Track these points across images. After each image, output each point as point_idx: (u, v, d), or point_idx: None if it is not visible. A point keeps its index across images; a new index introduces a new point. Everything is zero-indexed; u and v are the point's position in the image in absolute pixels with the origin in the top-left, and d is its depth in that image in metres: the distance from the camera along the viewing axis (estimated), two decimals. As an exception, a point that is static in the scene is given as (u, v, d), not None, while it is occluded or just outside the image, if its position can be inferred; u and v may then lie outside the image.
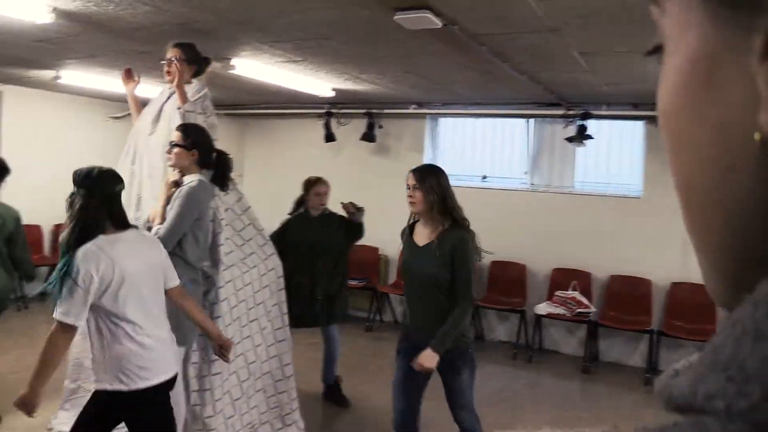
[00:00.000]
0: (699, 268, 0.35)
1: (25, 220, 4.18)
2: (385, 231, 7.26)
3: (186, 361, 3.46)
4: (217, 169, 3.48)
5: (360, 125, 7.05)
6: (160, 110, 3.78)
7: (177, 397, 3.33)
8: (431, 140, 7.20)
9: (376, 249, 7.25)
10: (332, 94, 6.04)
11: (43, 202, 6.79)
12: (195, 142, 3.33)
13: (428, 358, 2.92)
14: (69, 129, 7.78)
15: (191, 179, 3.29)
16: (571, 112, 5.95)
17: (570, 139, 5.87)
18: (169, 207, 3.24)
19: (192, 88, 3.73)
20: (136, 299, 2.51)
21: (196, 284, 3.35)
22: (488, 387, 5.15)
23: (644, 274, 5.85)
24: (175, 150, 3.27)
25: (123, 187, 2.68)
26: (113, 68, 5.45)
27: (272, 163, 8.19)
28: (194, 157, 3.33)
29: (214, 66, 4.12)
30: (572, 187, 6.50)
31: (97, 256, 2.42)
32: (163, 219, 3.21)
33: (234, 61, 4.87)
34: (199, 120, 3.61)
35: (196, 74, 3.83)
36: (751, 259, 0.30)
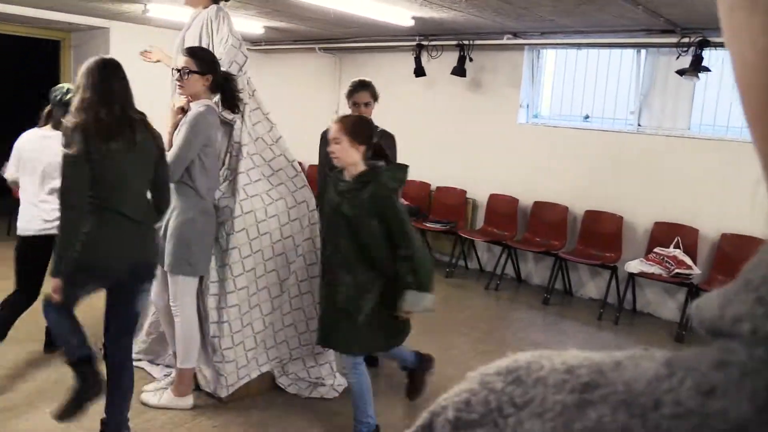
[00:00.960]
0: None
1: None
2: (474, 173, 6.83)
3: (204, 292, 3.41)
4: (224, 92, 3.31)
5: (452, 59, 6.55)
6: (182, 41, 3.63)
7: (191, 324, 3.31)
8: (530, 74, 6.54)
9: (462, 192, 6.84)
10: (411, 23, 5.61)
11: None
12: (209, 67, 3.18)
13: None
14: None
15: (198, 105, 3.15)
16: (685, 40, 5.06)
17: (681, 72, 5.00)
18: (176, 133, 3.14)
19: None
20: None
21: (207, 215, 3.25)
22: (563, 347, 4.67)
23: (762, 234, 4.94)
24: (191, 77, 3.14)
25: None
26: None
27: (367, 100, 7.94)
28: (208, 82, 3.20)
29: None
30: (687, 130, 5.61)
31: None
32: (170, 146, 3.10)
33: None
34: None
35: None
36: None
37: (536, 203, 6.27)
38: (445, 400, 0.33)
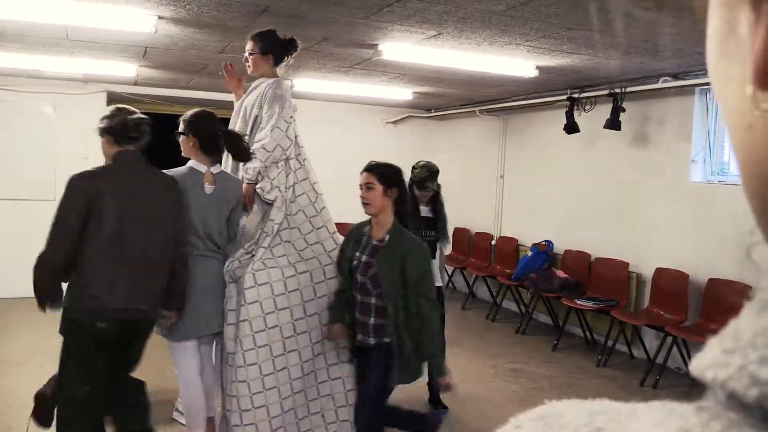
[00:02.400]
0: None
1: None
2: (638, 241, 5.72)
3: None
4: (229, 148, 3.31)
5: (606, 111, 5.70)
6: (242, 107, 3.66)
7: (190, 391, 3.23)
8: (703, 122, 5.36)
9: (624, 264, 5.78)
10: (535, 73, 5.03)
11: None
12: (195, 130, 3.18)
13: None
14: (346, 134, 8.34)
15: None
16: None
17: None
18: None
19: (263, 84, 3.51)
20: None
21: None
22: None
23: None
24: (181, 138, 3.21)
25: None
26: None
27: (529, 163, 7.32)
28: (195, 145, 3.20)
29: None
30: None
31: None
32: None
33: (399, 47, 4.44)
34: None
35: (277, 62, 3.60)
36: None
37: (711, 281, 4.99)
38: None
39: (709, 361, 0.28)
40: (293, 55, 3.66)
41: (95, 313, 2.73)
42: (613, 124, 5.54)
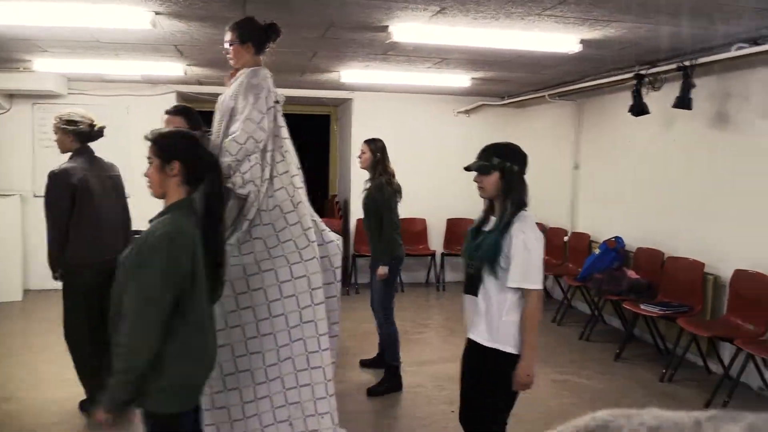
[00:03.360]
0: None
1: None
2: (719, 238, 4.88)
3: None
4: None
5: (674, 88, 4.96)
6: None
7: None
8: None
9: (700, 265, 5.01)
10: (579, 47, 4.46)
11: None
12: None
13: None
14: (418, 125, 8.07)
15: None
16: None
17: None
18: None
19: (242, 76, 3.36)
20: None
21: None
22: None
23: None
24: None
25: None
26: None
27: (605, 151, 6.61)
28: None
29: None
30: None
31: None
32: None
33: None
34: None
35: (258, 50, 3.44)
36: None
37: (799, 286, 4.18)
38: None
39: None
40: (274, 41, 3.49)
41: (82, 266, 3.79)
42: (683, 102, 4.80)
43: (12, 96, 6.90)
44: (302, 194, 3.36)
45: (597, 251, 5.99)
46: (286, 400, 3.19)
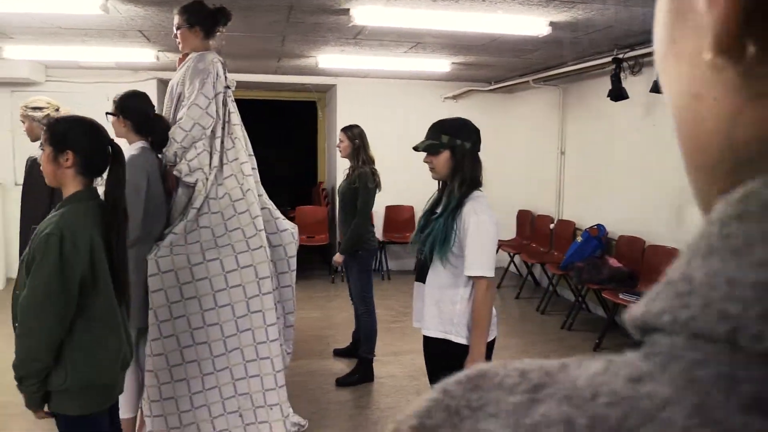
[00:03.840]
0: None
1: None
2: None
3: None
4: (154, 134, 3.14)
5: (654, 72, 4.82)
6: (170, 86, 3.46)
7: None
8: None
9: (674, 252, 4.89)
10: (548, 30, 4.33)
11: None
12: (119, 108, 3.06)
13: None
14: (405, 111, 7.95)
15: (131, 148, 3.09)
16: None
17: None
18: None
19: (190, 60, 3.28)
20: None
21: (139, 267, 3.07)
22: None
23: None
24: (109, 117, 3.10)
25: None
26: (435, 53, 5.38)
27: (589, 136, 6.47)
28: (125, 126, 3.08)
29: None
30: None
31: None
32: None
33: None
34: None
35: (207, 34, 3.35)
36: (714, 183, 0.32)
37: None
38: (410, 410, 0.34)
39: (663, 305, 0.28)
40: (224, 26, 3.39)
41: None
42: (657, 87, 4.66)
43: (-11, 84, 6.85)
44: (251, 181, 3.28)
45: (579, 239, 5.87)
46: (236, 391, 3.14)
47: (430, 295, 2.59)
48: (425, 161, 2.65)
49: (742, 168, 0.30)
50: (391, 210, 7.98)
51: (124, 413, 3.20)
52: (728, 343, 0.26)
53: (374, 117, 7.80)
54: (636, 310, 0.30)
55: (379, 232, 7.98)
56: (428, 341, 2.64)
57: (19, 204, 3.74)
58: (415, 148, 2.68)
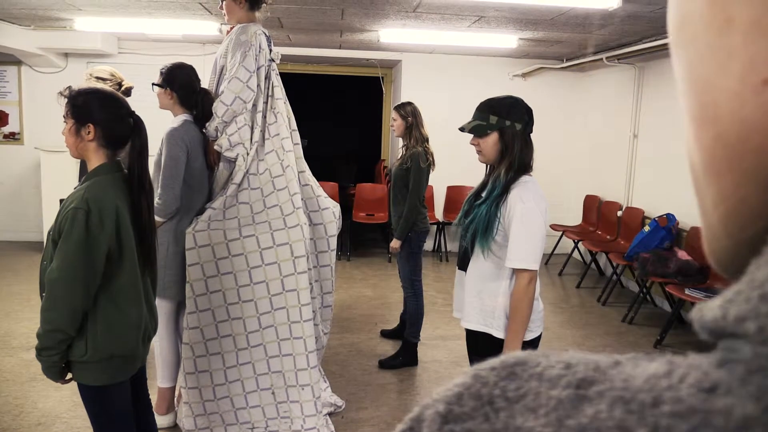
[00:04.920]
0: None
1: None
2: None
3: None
4: (198, 107, 3.18)
5: None
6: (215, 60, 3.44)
7: (166, 346, 3.21)
8: None
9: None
10: (619, 3, 4.01)
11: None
12: (166, 81, 3.08)
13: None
14: (470, 88, 7.71)
15: (174, 121, 3.15)
16: None
17: None
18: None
19: (233, 32, 3.25)
20: None
21: (180, 240, 3.12)
22: None
23: None
24: (155, 88, 3.13)
25: None
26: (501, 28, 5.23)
27: (666, 119, 6.05)
28: (172, 98, 3.11)
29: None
30: None
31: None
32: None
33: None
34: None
35: (252, 6, 3.29)
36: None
37: None
38: (438, 394, 0.32)
39: (745, 310, 0.24)
40: (269, -2, 3.33)
41: None
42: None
43: (67, 55, 7.11)
44: (291, 157, 3.22)
45: (647, 228, 5.53)
46: (269, 368, 3.13)
47: (471, 286, 2.45)
48: (471, 143, 2.49)
49: None
50: (452, 190, 7.80)
51: (163, 382, 3.28)
52: None
53: (440, 93, 7.63)
54: (709, 312, 0.26)
55: (439, 212, 7.84)
56: (469, 333, 2.52)
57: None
58: (462, 129, 2.50)
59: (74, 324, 1.96)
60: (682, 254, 5.14)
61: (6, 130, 7.37)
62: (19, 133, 7.38)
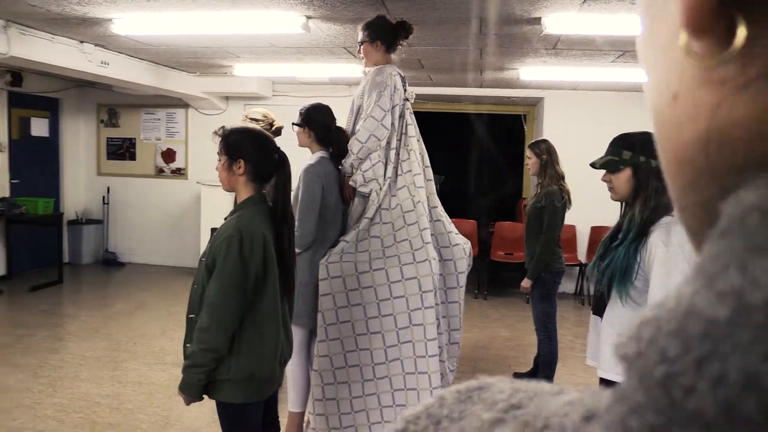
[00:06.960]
0: None
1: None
2: None
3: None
4: (333, 144, 3.35)
5: None
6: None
7: (296, 371, 3.36)
8: None
9: None
10: None
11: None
12: (304, 120, 3.28)
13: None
14: (616, 126, 7.39)
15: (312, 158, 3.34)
16: None
17: None
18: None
19: (370, 75, 3.40)
20: None
21: (313, 269, 3.25)
22: None
23: None
24: (294, 127, 3.37)
25: None
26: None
27: None
28: (310, 136, 3.29)
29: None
30: None
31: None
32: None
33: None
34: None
35: (389, 48, 3.43)
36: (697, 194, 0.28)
37: None
38: (406, 413, 0.33)
39: (637, 332, 0.24)
40: (405, 38, 3.44)
41: None
42: None
43: (227, 98, 7.82)
44: (422, 194, 3.28)
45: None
46: (393, 401, 3.15)
47: (607, 333, 2.33)
48: (603, 179, 2.40)
49: (726, 176, 0.25)
50: (597, 231, 7.46)
51: (293, 407, 3.41)
52: (663, 391, 0.22)
53: (585, 130, 7.39)
54: (619, 339, 0.26)
55: (582, 253, 7.52)
56: (604, 383, 2.38)
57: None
58: (593, 165, 2.42)
59: (227, 344, 2.12)
60: None
61: (174, 165, 8.22)
62: (184, 169, 8.20)
